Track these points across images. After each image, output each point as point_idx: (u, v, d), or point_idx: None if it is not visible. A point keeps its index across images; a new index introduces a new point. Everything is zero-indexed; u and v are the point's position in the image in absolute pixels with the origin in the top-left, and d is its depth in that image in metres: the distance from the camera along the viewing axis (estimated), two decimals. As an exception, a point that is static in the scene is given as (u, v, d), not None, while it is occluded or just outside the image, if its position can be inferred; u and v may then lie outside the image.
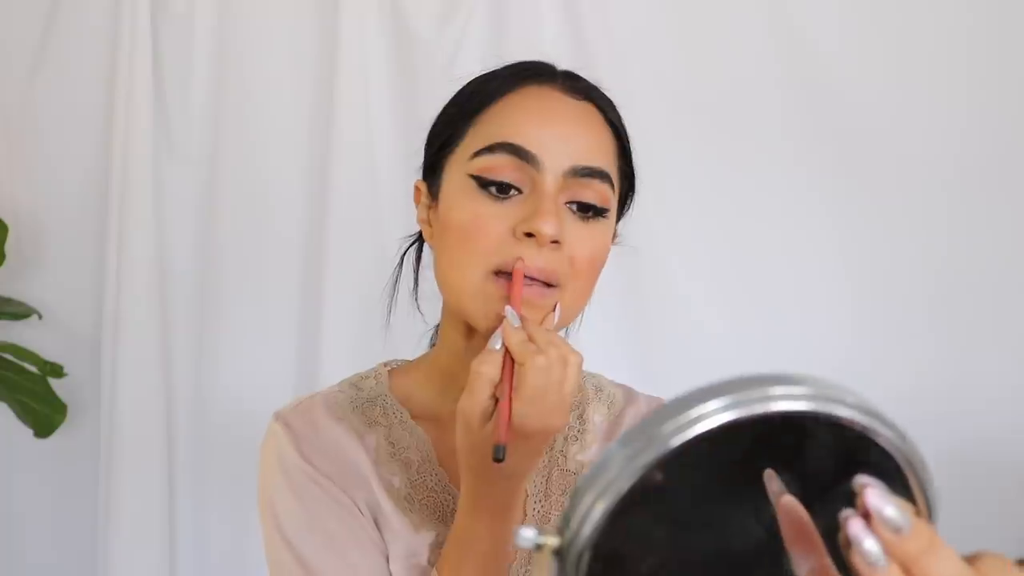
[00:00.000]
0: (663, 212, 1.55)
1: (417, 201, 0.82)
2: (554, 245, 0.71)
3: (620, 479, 0.36)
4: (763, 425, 0.36)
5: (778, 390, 0.36)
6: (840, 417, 0.37)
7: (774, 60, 1.59)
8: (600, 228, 0.75)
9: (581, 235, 0.73)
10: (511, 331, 0.66)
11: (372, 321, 1.59)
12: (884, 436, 0.38)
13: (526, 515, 0.78)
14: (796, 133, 1.59)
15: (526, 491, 0.78)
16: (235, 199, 1.66)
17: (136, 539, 1.60)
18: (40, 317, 1.63)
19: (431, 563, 0.75)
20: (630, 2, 1.61)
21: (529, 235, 0.71)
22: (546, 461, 0.82)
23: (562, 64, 0.81)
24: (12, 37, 1.68)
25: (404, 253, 0.88)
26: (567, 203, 0.73)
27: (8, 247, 1.58)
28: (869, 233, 1.58)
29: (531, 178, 0.72)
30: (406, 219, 1.57)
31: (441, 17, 1.63)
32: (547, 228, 0.69)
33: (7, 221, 1.59)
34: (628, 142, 0.79)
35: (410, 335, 0.92)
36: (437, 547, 0.75)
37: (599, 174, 0.73)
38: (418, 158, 0.83)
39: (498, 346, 0.66)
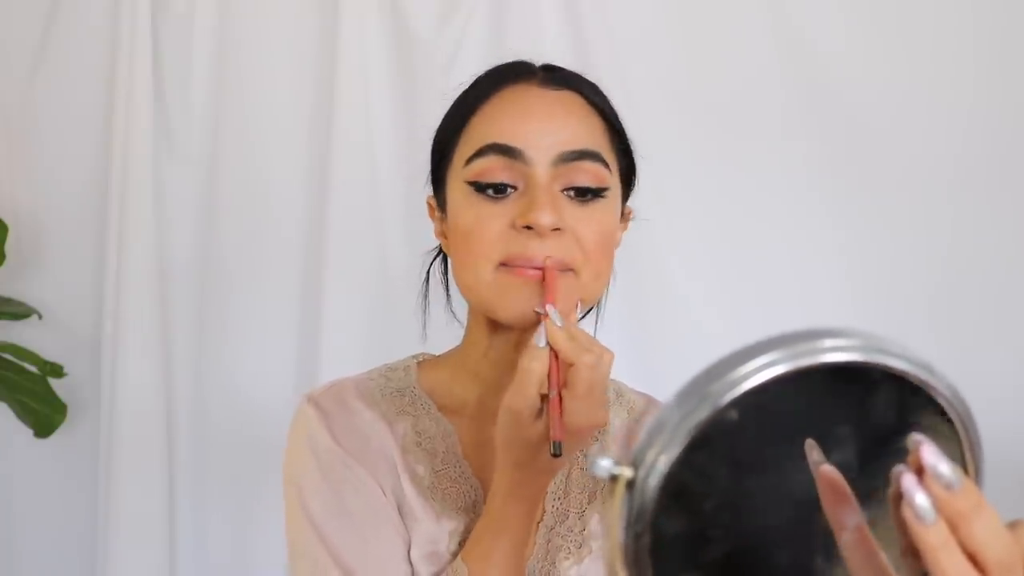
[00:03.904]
0: (663, 212, 1.54)
1: (431, 216, 0.84)
2: (555, 233, 0.73)
3: (701, 409, 0.37)
4: (825, 377, 0.37)
5: (828, 343, 0.37)
6: (895, 368, 0.37)
7: (775, 60, 1.58)
8: (601, 207, 0.76)
9: (583, 218, 0.75)
10: (555, 330, 0.67)
11: (372, 321, 1.62)
12: (941, 392, 0.38)
13: (545, 511, 0.80)
14: (797, 133, 1.58)
15: (547, 489, 0.80)
16: (235, 199, 1.66)
17: (136, 539, 1.60)
18: (40, 317, 1.63)
19: (451, 552, 0.76)
20: (631, 2, 1.61)
21: (528, 227, 0.73)
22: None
23: (564, 64, 0.82)
24: (12, 37, 1.68)
25: (429, 267, 0.91)
26: (564, 190, 0.75)
27: (8, 247, 1.58)
28: (870, 233, 1.58)
29: (523, 173, 0.74)
30: (406, 219, 1.60)
31: (441, 17, 1.63)
32: (542, 218, 0.72)
33: (7, 221, 1.59)
34: (618, 121, 0.81)
35: (442, 337, 0.92)
36: (458, 536, 0.76)
37: (588, 155, 0.75)
38: (418, 160, 0.85)
39: (542, 343, 0.67)
